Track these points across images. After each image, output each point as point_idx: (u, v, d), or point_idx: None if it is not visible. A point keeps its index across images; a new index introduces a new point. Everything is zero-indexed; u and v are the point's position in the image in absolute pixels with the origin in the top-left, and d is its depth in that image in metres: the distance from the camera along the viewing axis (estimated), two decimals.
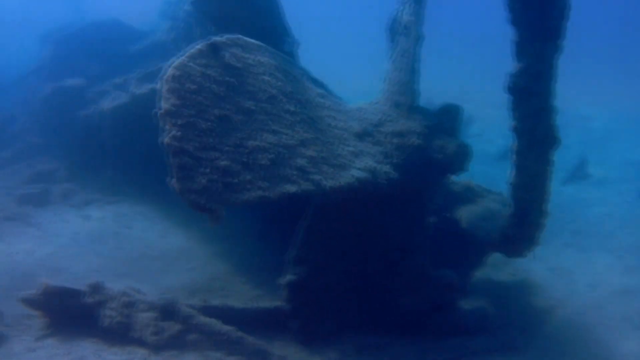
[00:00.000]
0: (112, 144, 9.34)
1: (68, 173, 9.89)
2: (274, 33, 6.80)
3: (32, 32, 14.25)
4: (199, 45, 4.91)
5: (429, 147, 5.80)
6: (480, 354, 5.66)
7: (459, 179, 7.05)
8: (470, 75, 20.39)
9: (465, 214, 7.04)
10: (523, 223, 5.42)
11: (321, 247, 6.03)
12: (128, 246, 7.74)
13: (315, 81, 6.15)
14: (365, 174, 5.48)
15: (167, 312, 5.57)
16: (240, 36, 5.35)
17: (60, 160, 10.26)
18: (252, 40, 5.45)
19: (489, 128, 13.33)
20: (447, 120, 5.93)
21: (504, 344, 5.75)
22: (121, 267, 7.22)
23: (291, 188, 4.88)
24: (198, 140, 4.48)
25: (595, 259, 7.35)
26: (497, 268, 7.45)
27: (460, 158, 5.78)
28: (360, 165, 5.59)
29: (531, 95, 4.82)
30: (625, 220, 8.70)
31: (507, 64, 4.98)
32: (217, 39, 5.07)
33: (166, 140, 4.38)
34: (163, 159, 9.34)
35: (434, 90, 7.65)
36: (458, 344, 5.88)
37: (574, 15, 4.64)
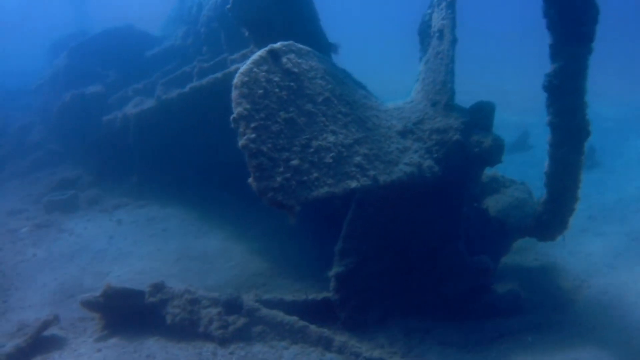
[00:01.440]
0: (137, 149, 9.54)
1: (92, 179, 10.05)
2: (312, 38, 7.10)
3: (33, 36, 14.31)
4: (259, 52, 5.22)
5: (467, 142, 6.20)
6: (518, 332, 6.03)
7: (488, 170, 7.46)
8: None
9: (492, 203, 7.48)
10: (557, 208, 5.86)
11: (364, 239, 6.39)
12: (166, 248, 7.96)
13: (357, 83, 6.50)
14: (412, 169, 5.86)
15: (231, 306, 5.88)
16: (293, 42, 5.66)
17: (82, 167, 10.41)
18: (303, 46, 5.77)
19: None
20: (481, 116, 6.33)
21: (539, 322, 6.16)
22: (163, 269, 7.45)
23: (352, 183, 5.25)
24: (271, 142, 4.80)
25: (612, 242, 7.86)
26: (521, 254, 7.89)
27: (496, 151, 6.18)
28: (407, 160, 5.96)
29: (565, 93, 5.26)
30: (638, 205, 9.28)
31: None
32: (275, 45, 5.37)
33: (243, 142, 4.68)
34: (191, 162, 9.62)
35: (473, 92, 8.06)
36: (497, 324, 6.26)
37: None
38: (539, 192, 7.58)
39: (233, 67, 7.78)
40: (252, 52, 7.77)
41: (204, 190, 9.09)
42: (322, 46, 7.22)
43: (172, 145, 9.18)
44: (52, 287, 7.09)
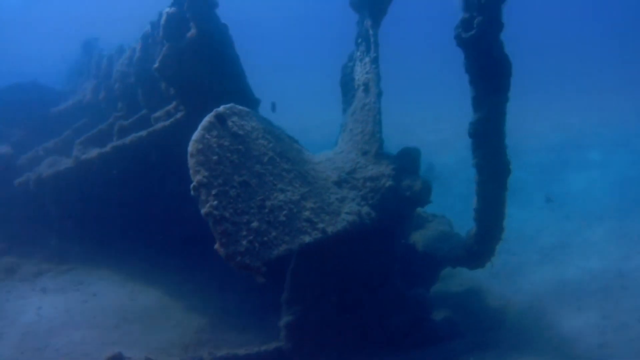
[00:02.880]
0: (55, 211, 9.09)
1: (5, 246, 9.35)
2: (240, 95, 7.35)
3: None
4: (207, 118, 5.40)
5: (399, 186, 6.75)
6: (461, 354, 6.61)
7: None
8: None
9: (419, 238, 8.10)
10: (486, 239, 6.57)
11: (309, 286, 6.70)
12: (101, 313, 7.66)
13: (290, 137, 6.84)
14: (354, 217, 6.27)
15: None
16: (234, 105, 5.91)
17: None
18: (242, 107, 6.03)
19: None
20: (408, 161, 6.93)
21: (477, 342, 6.80)
22: (104, 336, 7.18)
23: (306, 238, 5.55)
24: (232, 207, 4.98)
25: (526, 260, 8.82)
26: (445, 281, 8.59)
27: (425, 193, 6.79)
28: (347, 209, 6.36)
29: (488, 138, 6.00)
30: (543, 225, 10.44)
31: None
32: (219, 110, 5.59)
33: (206, 210, 4.82)
34: (115, 221, 9.41)
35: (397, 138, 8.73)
36: (440, 350, 6.82)
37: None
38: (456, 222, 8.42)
39: (159, 125, 7.77)
40: (176, 109, 8.00)
41: (131, 249, 8.86)
42: (250, 102, 7.50)
43: (94, 205, 8.87)
44: None
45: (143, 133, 7.89)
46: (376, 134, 6.93)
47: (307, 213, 5.76)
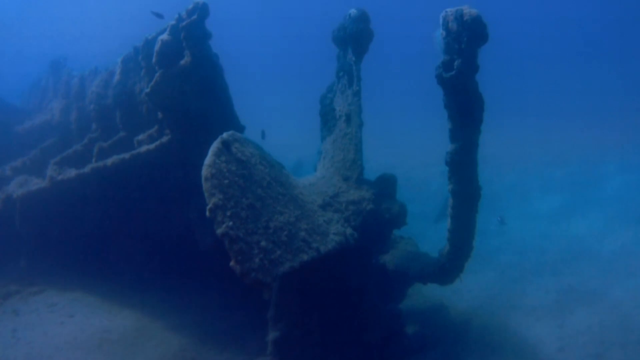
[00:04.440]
0: (26, 231, 8.94)
1: None
2: (227, 122, 7.73)
3: None
4: (215, 144, 5.79)
5: (379, 209, 7.35)
6: None
7: None
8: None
9: (389, 258, 8.70)
10: (458, 256, 7.26)
11: (293, 303, 7.11)
12: (82, 335, 7.64)
13: (279, 163, 7.28)
14: (341, 237, 6.78)
15: None
16: (234, 132, 6.31)
17: None
18: (240, 134, 6.44)
19: None
20: (386, 186, 7.57)
21: (448, 353, 7.44)
22: (89, 357, 7.18)
23: (304, 256, 5.99)
24: (244, 227, 5.37)
25: (483, 277, 9.62)
26: (410, 299, 9.21)
27: (402, 215, 7.44)
28: (334, 230, 6.86)
29: (463, 166, 6.72)
30: (507, 242, 11.36)
31: None
32: (224, 136, 5.98)
33: (222, 230, 5.18)
34: (89, 242, 9.45)
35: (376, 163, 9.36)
36: None
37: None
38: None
39: (144, 148, 7.95)
40: (159, 133, 8.23)
41: (105, 270, 8.88)
42: (236, 129, 7.88)
43: (67, 226, 8.84)
44: None
45: (126, 155, 8.04)
46: (357, 161, 7.52)
47: (302, 233, 6.21)
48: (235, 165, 5.80)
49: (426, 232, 10.88)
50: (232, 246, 5.14)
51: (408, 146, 23.97)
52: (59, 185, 8.58)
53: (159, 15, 7.99)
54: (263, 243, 5.46)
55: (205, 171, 5.38)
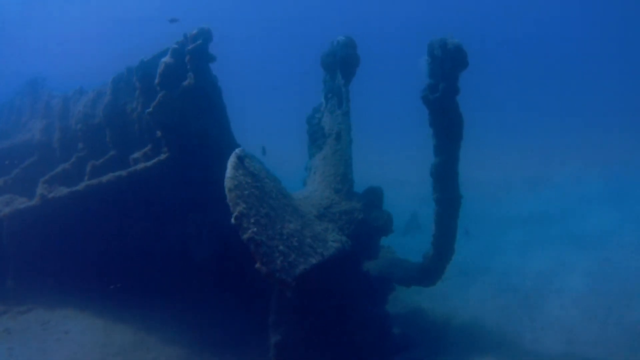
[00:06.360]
0: (13, 250, 8.89)
1: None
2: (224, 140, 8.18)
3: None
4: (232, 158, 6.30)
5: (369, 218, 8.01)
6: None
7: None
8: None
9: (372, 265, 9.36)
10: (440, 258, 8.01)
11: (292, 308, 7.60)
12: (82, 350, 7.75)
13: (277, 178, 7.82)
14: (339, 244, 7.38)
15: None
16: (243, 148, 6.83)
17: None
18: (247, 150, 6.96)
19: None
20: (374, 198, 8.25)
21: (432, 350, 8.12)
22: None
23: (313, 260, 6.53)
24: (265, 233, 5.88)
25: (455, 284, 10.43)
26: (390, 304, 9.88)
27: (389, 224, 8.14)
28: (332, 238, 7.46)
29: (446, 177, 7.52)
30: (466, 254, 12.25)
31: None
32: (237, 152, 6.50)
33: (248, 235, 5.66)
34: (79, 259, 9.62)
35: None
36: (401, 358, 8.03)
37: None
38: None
39: (140, 166, 8.25)
40: (154, 151, 8.56)
41: (96, 287, 8.97)
42: (232, 146, 8.35)
43: (56, 244, 8.90)
44: None
45: (123, 173, 8.30)
46: (348, 175, 8.18)
47: (308, 240, 6.76)
48: (250, 178, 6.31)
49: (394, 244, 11.62)
50: (257, 249, 5.63)
51: (387, 164, 25.00)
52: (50, 203, 8.67)
53: (175, 20, 8.72)
54: (281, 247, 5.97)
55: (228, 183, 5.86)
